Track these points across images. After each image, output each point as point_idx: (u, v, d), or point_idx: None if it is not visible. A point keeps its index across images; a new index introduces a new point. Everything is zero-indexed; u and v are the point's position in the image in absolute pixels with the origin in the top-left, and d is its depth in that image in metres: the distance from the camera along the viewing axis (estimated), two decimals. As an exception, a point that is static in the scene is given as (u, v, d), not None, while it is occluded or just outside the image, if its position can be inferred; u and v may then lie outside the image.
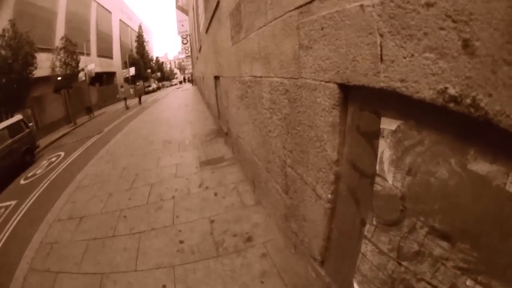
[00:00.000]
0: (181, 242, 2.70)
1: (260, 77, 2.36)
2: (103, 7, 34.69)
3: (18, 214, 6.35)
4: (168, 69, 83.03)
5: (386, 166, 1.08)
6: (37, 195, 7.23)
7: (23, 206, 6.75)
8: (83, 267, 2.91)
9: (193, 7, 12.98)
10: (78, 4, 27.54)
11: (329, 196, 1.50)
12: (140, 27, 48.80)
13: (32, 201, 6.86)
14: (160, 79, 61.90)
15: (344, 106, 1.31)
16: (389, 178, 1.07)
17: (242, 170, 3.81)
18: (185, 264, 2.37)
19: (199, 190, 3.69)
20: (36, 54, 16.34)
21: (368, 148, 1.20)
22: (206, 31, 7.25)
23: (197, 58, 15.47)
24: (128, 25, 47.06)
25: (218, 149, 5.02)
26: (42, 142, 14.70)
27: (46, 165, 10.10)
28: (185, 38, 28.15)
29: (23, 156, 10.89)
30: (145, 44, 48.94)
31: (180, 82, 67.01)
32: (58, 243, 3.59)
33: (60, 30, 23.87)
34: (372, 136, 1.15)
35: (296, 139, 1.82)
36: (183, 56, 45.97)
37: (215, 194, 3.37)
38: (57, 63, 20.42)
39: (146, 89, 38.79)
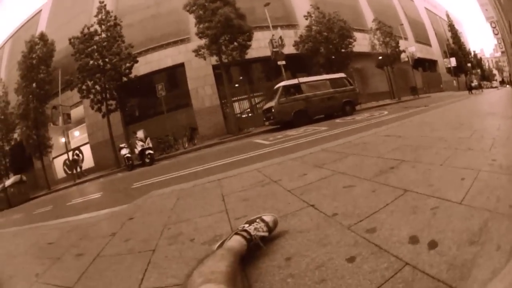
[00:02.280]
0: (493, 160, 2.24)
1: None
2: (401, -7, 33.56)
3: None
4: (486, 67, 69.67)
5: None
6: (347, 129, 7.52)
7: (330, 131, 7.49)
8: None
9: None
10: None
11: None
12: (447, 15, 43.77)
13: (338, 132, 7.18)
14: (481, 78, 52.80)
15: None
16: None
17: None
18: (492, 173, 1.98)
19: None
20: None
21: None
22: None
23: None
24: (435, 14, 43.00)
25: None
26: (364, 105, 16.34)
27: (366, 116, 10.56)
28: (494, 27, 22.07)
29: (343, 105, 12.55)
30: (459, 35, 42.86)
31: (500, 83, 57.10)
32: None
33: (367, 14, 25.26)
34: None
35: None
36: (498, 54, 37.32)
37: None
38: (376, 42, 21.38)
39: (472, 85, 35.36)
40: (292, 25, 19.98)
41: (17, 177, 13.84)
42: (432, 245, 1.15)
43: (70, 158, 16.01)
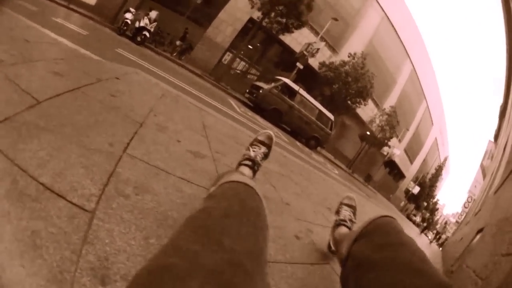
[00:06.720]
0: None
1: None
2: (430, 113, 35.69)
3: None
4: (436, 219, 74.83)
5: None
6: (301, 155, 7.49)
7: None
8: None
9: (493, 172, 9.07)
10: (412, 92, 29.67)
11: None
12: (445, 160, 46.36)
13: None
14: (426, 219, 56.42)
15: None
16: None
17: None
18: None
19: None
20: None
21: None
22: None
23: (467, 223, 11.72)
24: (438, 149, 46.65)
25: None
26: (324, 152, 16.81)
27: (322, 160, 11.17)
28: (469, 202, 23.52)
29: (310, 137, 13.12)
30: (439, 179, 45.19)
31: (434, 238, 59.73)
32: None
33: (392, 97, 26.22)
34: None
35: None
36: (453, 220, 40.89)
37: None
38: (377, 121, 22.14)
39: (412, 218, 38.97)
40: (333, 50, 20.55)
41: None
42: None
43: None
